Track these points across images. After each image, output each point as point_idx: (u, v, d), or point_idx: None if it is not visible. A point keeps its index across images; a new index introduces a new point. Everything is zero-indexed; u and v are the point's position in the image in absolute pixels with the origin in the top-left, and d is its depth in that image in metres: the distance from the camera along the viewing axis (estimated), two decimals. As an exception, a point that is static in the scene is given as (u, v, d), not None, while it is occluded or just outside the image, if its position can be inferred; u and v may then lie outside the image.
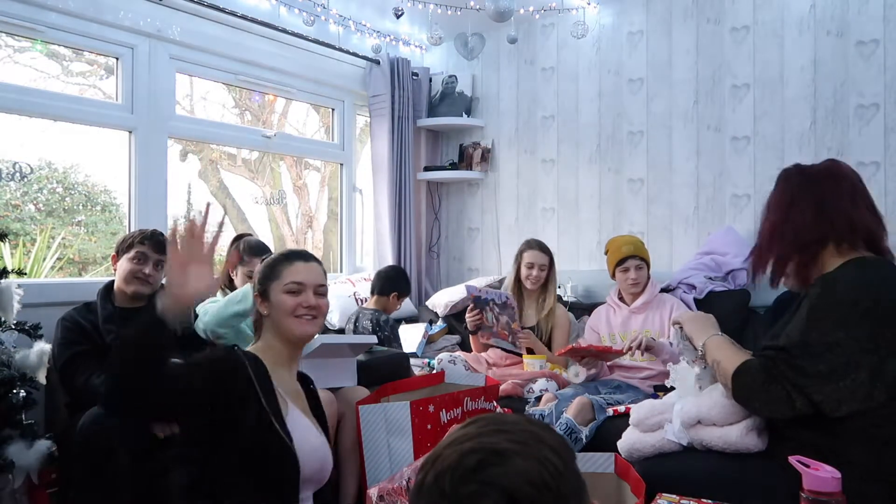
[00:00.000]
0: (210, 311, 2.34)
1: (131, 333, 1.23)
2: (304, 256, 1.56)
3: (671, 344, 2.46)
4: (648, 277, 2.78)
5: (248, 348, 1.50)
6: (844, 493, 1.10)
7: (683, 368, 1.68)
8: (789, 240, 1.47)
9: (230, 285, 2.62)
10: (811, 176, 1.50)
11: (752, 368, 1.42)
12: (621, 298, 2.84)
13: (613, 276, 2.81)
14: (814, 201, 1.46)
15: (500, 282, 3.65)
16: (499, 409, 2.31)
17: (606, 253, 2.83)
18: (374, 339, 2.66)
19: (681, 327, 1.71)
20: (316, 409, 1.57)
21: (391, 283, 3.20)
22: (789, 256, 1.48)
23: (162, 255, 2.33)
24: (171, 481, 1.74)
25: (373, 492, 1.85)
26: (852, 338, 1.31)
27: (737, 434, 1.47)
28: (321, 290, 1.54)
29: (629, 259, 2.72)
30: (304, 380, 1.61)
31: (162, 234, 2.40)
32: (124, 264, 2.29)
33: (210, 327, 2.34)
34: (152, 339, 1.22)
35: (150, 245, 2.30)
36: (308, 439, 1.41)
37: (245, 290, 2.40)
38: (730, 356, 1.49)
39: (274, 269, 1.52)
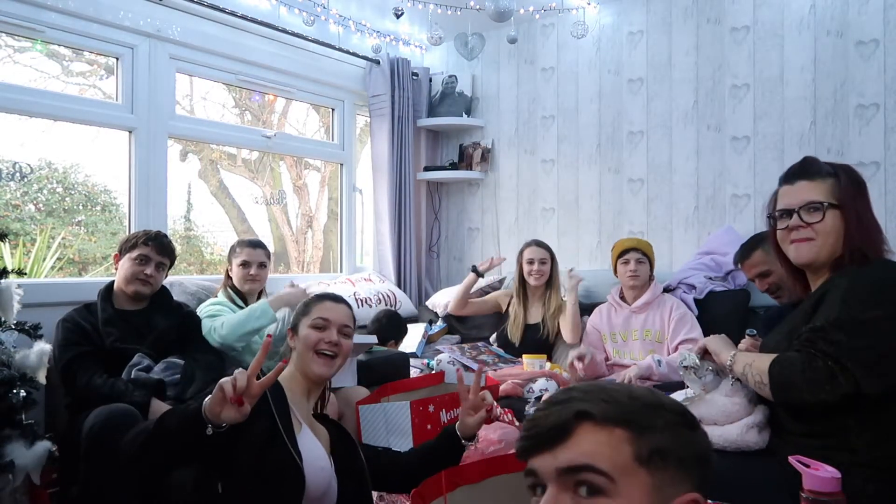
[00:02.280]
0: (228, 324, 2.39)
1: (172, 427, 1.28)
2: (335, 298, 1.67)
3: (659, 363, 2.51)
4: (651, 278, 2.82)
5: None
6: (845, 490, 1.10)
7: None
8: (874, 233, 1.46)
9: (233, 286, 2.64)
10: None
11: (790, 356, 1.38)
12: (622, 298, 2.85)
13: (616, 271, 2.86)
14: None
15: (501, 281, 3.66)
16: (499, 410, 2.31)
17: (612, 251, 2.90)
18: (374, 339, 2.66)
19: (698, 354, 1.68)
20: (343, 454, 1.57)
21: (387, 330, 3.14)
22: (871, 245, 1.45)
23: (164, 258, 2.34)
24: (178, 481, 1.74)
25: (373, 492, 1.85)
26: (888, 317, 1.30)
27: (737, 432, 1.47)
28: (345, 331, 1.62)
29: (630, 251, 2.78)
30: (334, 425, 1.65)
31: (165, 236, 2.41)
32: (126, 264, 2.30)
33: (228, 341, 2.38)
34: (188, 435, 1.27)
35: (153, 247, 2.31)
36: (316, 461, 1.44)
37: (263, 306, 2.44)
38: (762, 356, 1.47)
39: (307, 306, 1.64)
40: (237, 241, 2.73)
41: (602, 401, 0.76)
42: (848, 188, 1.44)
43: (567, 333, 2.98)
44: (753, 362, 1.46)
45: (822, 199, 1.43)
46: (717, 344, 1.63)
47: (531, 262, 3.07)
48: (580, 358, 2.58)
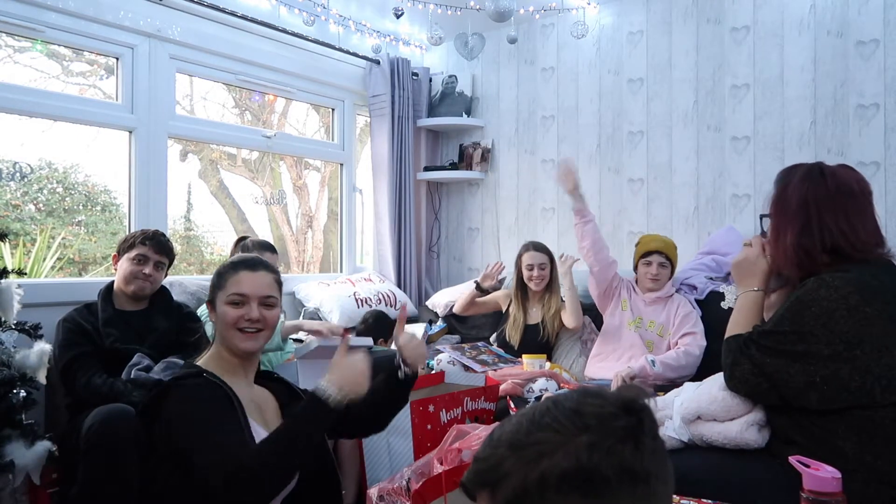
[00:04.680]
0: None
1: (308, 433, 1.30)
2: (251, 265, 1.46)
3: (653, 364, 2.57)
4: (670, 278, 2.86)
5: (203, 356, 1.47)
6: (847, 492, 1.11)
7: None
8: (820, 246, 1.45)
9: None
10: (841, 186, 1.48)
11: (732, 342, 1.49)
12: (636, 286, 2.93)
13: (636, 267, 2.89)
14: (844, 214, 1.46)
15: (501, 281, 3.65)
16: (511, 406, 2.32)
17: (637, 245, 2.91)
18: (369, 341, 2.65)
19: None
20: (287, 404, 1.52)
21: (374, 331, 3.12)
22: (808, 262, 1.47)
23: (162, 256, 2.34)
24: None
25: (373, 492, 1.85)
26: (827, 328, 1.34)
27: (737, 429, 1.47)
28: (269, 301, 1.45)
29: (654, 254, 2.79)
30: (277, 381, 1.57)
31: (163, 235, 2.40)
32: (125, 264, 2.29)
33: None
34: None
35: (151, 246, 2.31)
36: None
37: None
38: (737, 321, 1.55)
39: (220, 277, 1.46)
40: (251, 242, 2.66)
41: (474, 462, 0.68)
42: (773, 198, 1.55)
43: (568, 318, 2.99)
44: (731, 322, 1.56)
45: (762, 213, 1.59)
46: (737, 275, 1.63)
47: (531, 267, 3.04)
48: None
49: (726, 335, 1.53)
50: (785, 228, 1.49)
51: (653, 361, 2.57)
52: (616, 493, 0.61)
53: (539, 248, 3.08)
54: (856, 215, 1.46)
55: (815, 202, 1.46)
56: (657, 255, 2.78)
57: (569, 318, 2.99)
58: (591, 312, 3.11)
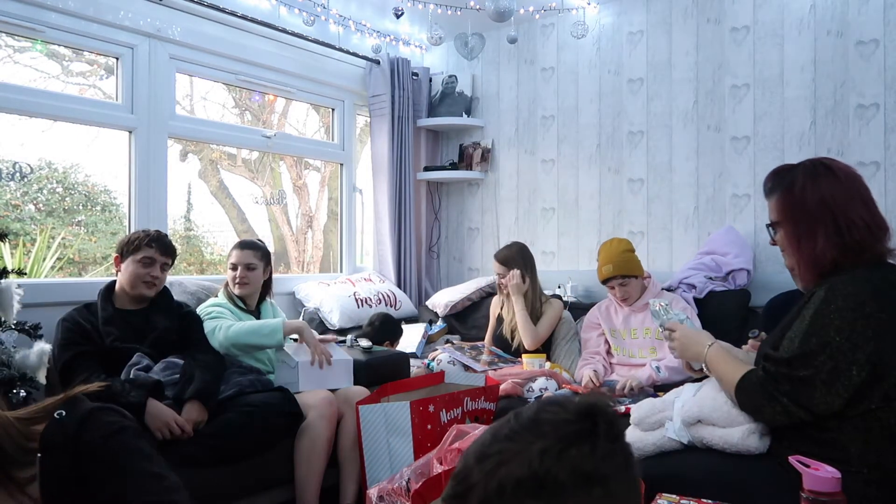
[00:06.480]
0: (234, 330, 2.41)
1: None
2: None
3: (658, 370, 2.57)
4: (643, 285, 2.82)
5: None
6: (847, 493, 1.10)
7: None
8: (844, 238, 1.41)
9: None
10: (848, 175, 1.46)
11: (754, 384, 1.43)
12: None
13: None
14: (862, 201, 1.43)
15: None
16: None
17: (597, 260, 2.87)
18: (348, 359, 2.59)
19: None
20: None
21: (380, 333, 3.14)
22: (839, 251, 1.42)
23: (167, 258, 2.34)
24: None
25: (373, 492, 1.85)
26: (850, 341, 1.31)
27: (738, 436, 1.47)
28: None
29: (610, 280, 2.77)
30: None
31: (166, 235, 2.40)
32: (131, 266, 2.28)
33: (225, 345, 2.39)
34: None
35: (157, 248, 2.30)
36: None
37: (274, 326, 2.42)
38: (730, 371, 1.50)
39: None
40: (238, 245, 2.70)
41: (450, 478, 0.70)
42: (782, 205, 1.50)
43: (524, 340, 2.98)
44: (723, 379, 1.52)
45: (769, 221, 1.54)
46: (688, 351, 1.63)
47: (498, 275, 3.10)
48: (595, 371, 2.72)
49: (735, 381, 1.47)
50: (811, 233, 1.43)
51: (658, 368, 2.56)
52: (571, 496, 0.63)
53: (498, 257, 3.10)
54: (869, 200, 1.45)
55: (833, 198, 1.42)
56: (613, 281, 2.76)
57: (524, 340, 2.98)
58: (586, 312, 3.10)
